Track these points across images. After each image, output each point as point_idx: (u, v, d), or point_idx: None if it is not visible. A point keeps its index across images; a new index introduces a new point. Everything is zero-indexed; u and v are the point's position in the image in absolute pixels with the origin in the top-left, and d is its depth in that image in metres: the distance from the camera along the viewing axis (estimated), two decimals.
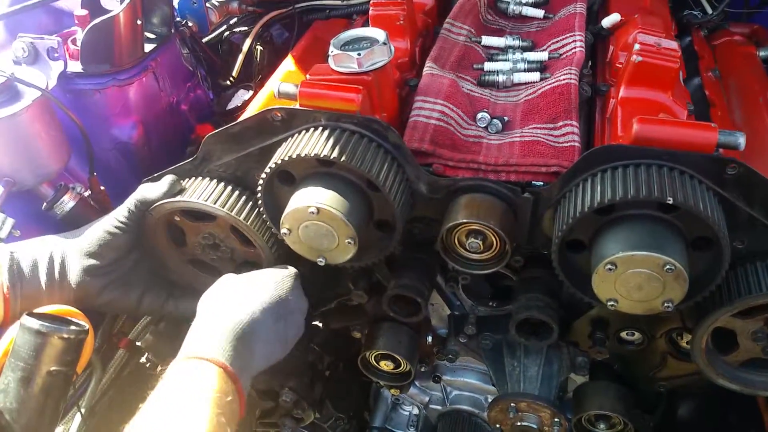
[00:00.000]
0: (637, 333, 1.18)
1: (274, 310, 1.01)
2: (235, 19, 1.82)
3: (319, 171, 1.02)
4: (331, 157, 0.96)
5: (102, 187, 1.39)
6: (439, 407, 1.53)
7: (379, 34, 1.09)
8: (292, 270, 1.09)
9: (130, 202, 1.12)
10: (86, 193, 1.37)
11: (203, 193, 1.11)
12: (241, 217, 1.09)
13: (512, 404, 1.21)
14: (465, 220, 1.00)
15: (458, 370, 1.49)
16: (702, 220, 0.88)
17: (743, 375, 1.09)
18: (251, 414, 1.28)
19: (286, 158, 0.97)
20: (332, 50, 1.07)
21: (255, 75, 1.83)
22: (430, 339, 1.36)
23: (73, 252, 1.11)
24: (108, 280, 1.13)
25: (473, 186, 1.04)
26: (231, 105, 1.72)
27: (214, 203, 1.09)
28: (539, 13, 1.46)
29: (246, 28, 1.81)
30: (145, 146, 1.46)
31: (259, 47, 1.82)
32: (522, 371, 1.25)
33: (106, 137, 1.42)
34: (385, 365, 1.32)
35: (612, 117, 1.13)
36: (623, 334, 1.19)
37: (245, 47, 1.77)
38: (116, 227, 1.12)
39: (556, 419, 1.20)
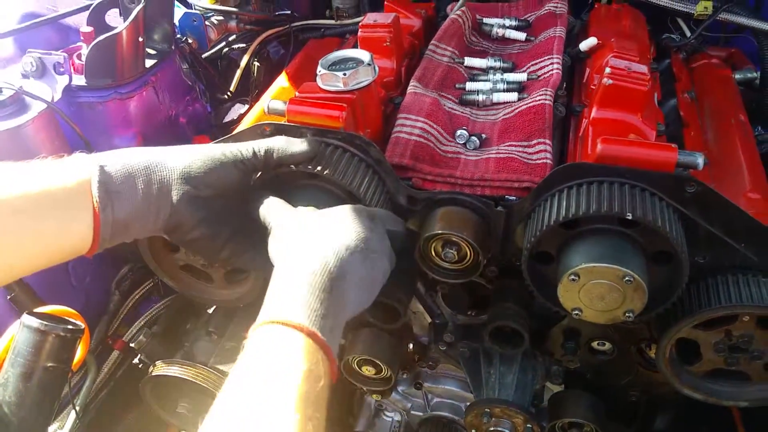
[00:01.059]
0: (607, 343, 1.23)
1: (361, 246, 0.91)
2: (233, 37, 1.89)
3: (306, 183, 1.08)
4: (315, 171, 1.02)
5: None
6: (420, 413, 1.58)
7: (364, 55, 1.15)
8: (364, 208, 1.00)
9: (260, 145, 1.01)
10: None
11: None
12: None
13: (487, 410, 1.26)
14: (440, 231, 1.06)
15: (439, 377, 1.53)
16: (661, 235, 0.94)
17: (707, 385, 1.14)
18: None
19: (273, 172, 1.04)
20: (320, 70, 1.13)
21: (252, 90, 1.90)
22: (411, 346, 1.41)
23: (176, 175, 0.95)
24: (205, 215, 0.99)
25: (449, 199, 1.10)
26: (227, 118, 1.79)
27: None
28: (521, 35, 1.53)
29: (244, 45, 1.88)
30: None
31: (256, 63, 1.89)
32: (498, 378, 1.30)
33: (107, 147, 1.46)
34: (367, 370, 1.37)
35: (584, 136, 1.19)
36: (594, 344, 1.25)
37: (243, 63, 1.84)
38: (233, 162, 0.99)
39: (528, 425, 1.25)
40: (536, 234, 1.00)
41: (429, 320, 1.42)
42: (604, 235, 0.97)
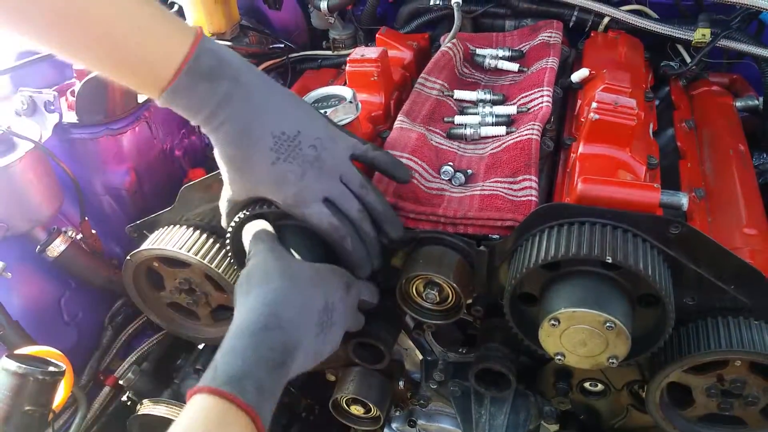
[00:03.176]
0: (599, 384, 1.20)
1: (321, 317, 0.91)
2: None
3: (287, 223, 1.07)
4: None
5: (93, 231, 1.47)
6: None
7: (346, 92, 1.14)
8: (346, 274, 1.00)
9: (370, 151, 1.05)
10: (78, 237, 1.45)
11: (178, 241, 1.16)
12: (213, 265, 1.15)
13: None
14: (420, 272, 1.04)
15: (433, 414, 1.50)
16: (644, 278, 0.91)
17: (701, 430, 1.09)
18: None
19: (251, 214, 1.03)
20: None
21: None
22: (402, 384, 1.39)
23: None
24: None
25: (431, 238, 1.08)
26: None
27: (188, 251, 1.15)
28: (514, 66, 1.51)
29: None
30: (137, 192, 1.54)
31: None
32: (488, 420, 1.27)
33: (100, 183, 1.50)
34: (356, 409, 1.34)
35: (571, 172, 1.17)
36: (586, 385, 1.21)
37: None
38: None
39: None
40: (516, 276, 0.97)
41: (420, 357, 1.40)
42: (585, 279, 0.95)
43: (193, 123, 0.93)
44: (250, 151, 0.93)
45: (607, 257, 0.89)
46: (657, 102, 1.63)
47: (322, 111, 1.09)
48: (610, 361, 0.94)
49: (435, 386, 1.36)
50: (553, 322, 0.93)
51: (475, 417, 1.29)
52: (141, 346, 1.50)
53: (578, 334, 0.93)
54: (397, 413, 1.51)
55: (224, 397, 0.74)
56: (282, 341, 0.84)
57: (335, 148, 0.98)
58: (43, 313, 1.40)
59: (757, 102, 1.59)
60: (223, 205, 1.03)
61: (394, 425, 1.56)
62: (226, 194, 1.01)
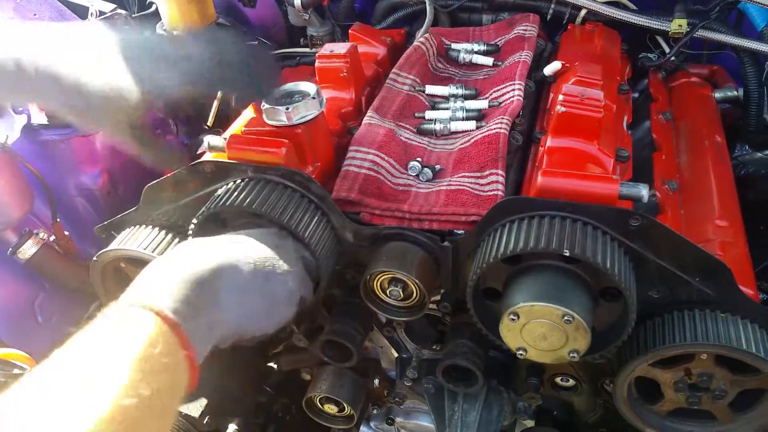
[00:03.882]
0: (571, 379, 1.18)
1: (259, 264, 0.89)
2: None
3: (245, 222, 1.06)
4: (251, 209, 1.00)
5: (66, 233, 1.46)
6: None
7: (310, 88, 1.13)
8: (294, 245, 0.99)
9: None
10: (51, 239, 1.44)
11: (143, 241, 1.16)
12: None
13: None
14: (383, 269, 1.03)
15: (411, 412, 1.49)
16: (604, 271, 0.89)
17: (671, 425, 1.08)
18: None
19: (210, 211, 1.02)
20: (264, 105, 1.12)
21: (231, 120, 1.89)
22: (377, 382, 1.38)
23: None
24: None
25: (395, 234, 1.07)
26: (200, 150, 1.79)
27: (153, 251, 1.14)
28: (489, 61, 1.50)
29: None
30: (111, 193, 1.53)
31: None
32: (461, 416, 1.25)
33: (73, 185, 1.49)
34: (329, 408, 1.33)
35: (539, 165, 1.15)
36: (558, 380, 1.20)
37: (219, 93, 1.84)
38: None
39: None
40: (477, 271, 0.96)
41: (396, 355, 1.39)
42: (545, 272, 0.93)
43: None
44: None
45: (565, 250, 0.88)
46: (636, 94, 1.62)
47: (284, 108, 1.08)
48: (571, 355, 0.93)
49: (409, 384, 1.35)
50: (512, 316, 0.92)
51: (448, 413, 1.28)
52: None
53: (538, 329, 0.92)
54: (375, 411, 1.51)
55: (148, 308, 0.72)
56: (195, 263, 0.82)
57: None
58: (16, 315, 1.40)
59: (736, 93, 1.57)
60: None
61: (372, 423, 1.56)
62: None
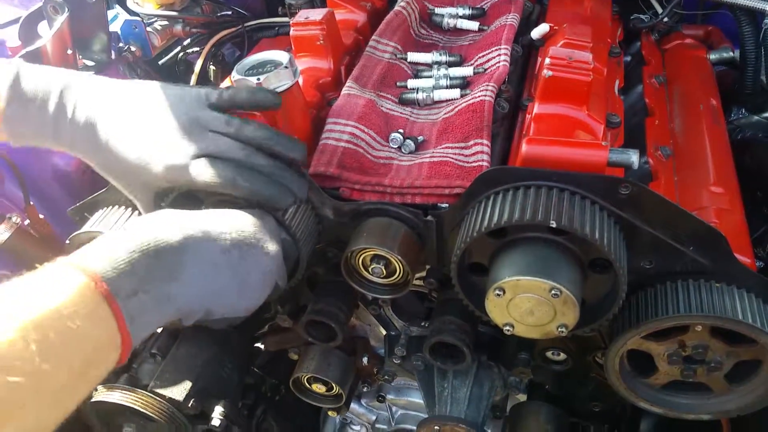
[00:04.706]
0: (562, 353, 1.15)
1: (236, 240, 0.85)
2: (188, 40, 1.83)
3: (219, 200, 1.01)
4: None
5: (41, 216, 1.41)
6: (385, 427, 1.51)
7: (282, 56, 1.07)
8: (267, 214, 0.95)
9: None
10: (26, 222, 1.40)
11: (115, 222, 1.11)
12: None
13: (436, 427, 1.18)
14: (364, 246, 0.99)
15: (402, 389, 1.47)
16: (592, 243, 0.85)
17: (665, 398, 1.05)
18: None
19: (180, 189, 0.97)
20: (234, 75, 1.06)
21: None
22: (366, 360, 1.35)
23: None
24: None
25: (376, 209, 1.03)
26: None
27: None
28: (474, 25, 1.44)
29: (199, 49, 1.81)
30: (85, 173, 1.48)
31: (212, 67, 1.83)
32: (450, 393, 1.23)
33: (45, 166, 1.44)
34: (317, 388, 1.31)
35: (526, 134, 1.10)
36: (549, 354, 1.16)
37: (197, 67, 1.77)
38: None
39: None
40: (461, 246, 0.92)
41: (384, 332, 1.36)
42: (531, 245, 0.89)
43: (55, 149, 0.92)
44: (110, 153, 0.91)
45: (552, 222, 0.83)
46: (628, 58, 1.56)
47: (255, 78, 1.03)
48: (560, 329, 0.89)
49: (398, 361, 1.32)
50: (497, 292, 0.88)
51: (437, 390, 1.25)
52: None
53: (525, 303, 0.88)
54: (365, 389, 1.48)
55: (71, 264, 0.69)
56: (154, 237, 0.78)
57: (183, 105, 0.93)
58: None
59: (732, 54, 1.51)
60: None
61: (363, 401, 1.54)
62: (139, 206, 1.01)
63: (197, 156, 0.90)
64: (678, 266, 0.94)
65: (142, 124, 0.91)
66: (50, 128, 0.90)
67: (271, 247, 0.91)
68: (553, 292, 0.85)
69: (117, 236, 0.77)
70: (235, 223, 0.88)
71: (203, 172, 0.90)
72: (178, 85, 0.97)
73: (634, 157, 0.89)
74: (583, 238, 0.84)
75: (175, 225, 0.81)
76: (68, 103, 0.91)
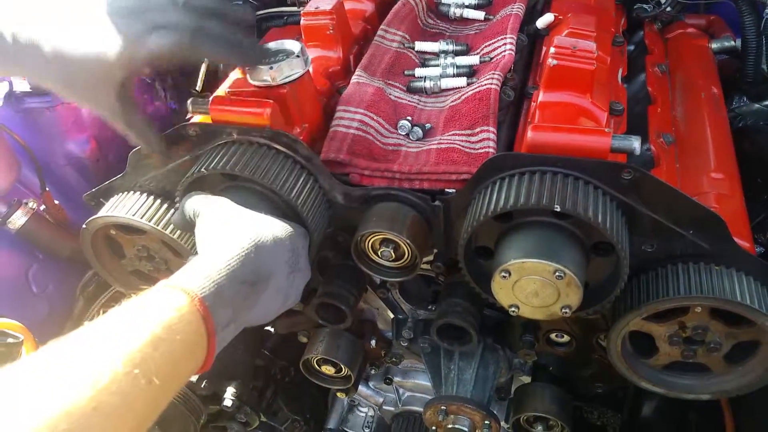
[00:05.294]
0: (565, 335, 1.19)
1: (290, 258, 0.90)
2: None
3: (229, 185, 1.05)
4: (234, 172, 0.98)
5: (56, 202, 1.45)
6: (392, 408, 1.55)
7: (294, 46, 1.10)
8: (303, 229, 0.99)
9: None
10: (42, 208, 1.43)
11: (131, 207, 1.14)
12: (168, 231, 1.13)
13: (442, 407, 1.22)
14: (374, 230, 1.02)
15: (409, 371, 1.50)
16: (595, 226, 0.88)
17: (667, 378, 1.08)
18: (195, 421, 1.32)
19: (193, 176, 1.00)
20: None
21: (220, 84, 1.86)
22: (374, 342, 1.38)
23: None
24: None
25: (385, 195, 1.06)
26: (190, 114, 1.76)
27: (141, 217, 1.13)
28: (480, 15, 1.46)
29: None
30: (99, 160, 1.51)
31: None
32: (457, 374, 1.26)
33: (60, 153, 1.47)
34: (327, 369, 1.34)
35: (531, 121, 1.13)
36: (553, 336, 1.20)
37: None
38: None
39: (486, 422, 1.21)
40: (468, 230, 0.95)
41: (391, 316, 1.39)
42: (536, 229, 0.92)
43: (4, 74, 0.89)
44: (61, 56, 0.88)
45: (556, 206, 0.86)
46: (631, 47, 1.58)
47: (267, 67, 1.06)
48: (564, 310, 0.93)
49: (405, 344, 1.35)
50: (503, 274, 0.91)
51: (444, 372, 1.28)
52: None
53: (530, 285, 0.91)
54: (373, 372, 1.52)
55: (181, 290, 0.74)
56: (257, 264, 0.84)
57: None
58: (10, 285, 1.40)
59: (733, 43, 1.53)
60: (111, 114, 0.98)
61: (371, 383, 1.57)
62: (104, 112, 0.98)
63: (149, 31, 0.89)
64: (678, 249, 0.97)
65: (85, 20, 0.89)
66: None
67: (308, 268, 0.98)
68: (557, 273, 0.88)
69: (221, 257, 0.82)
70: (294, 246, 0.93)
71: (161, 43, 0.88)
72: None
73: (636, 144, 0.91)
74: (587, 221, 0.87)
75: (269, 245, 0.87)
76: (5, 28, 0.87)
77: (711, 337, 0.99)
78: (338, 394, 1.44)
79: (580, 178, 0.91)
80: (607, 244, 0.93)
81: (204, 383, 1.27)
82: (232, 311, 0.79)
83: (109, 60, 0.90)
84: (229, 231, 0.88)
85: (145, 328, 0.67)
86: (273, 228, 0.90)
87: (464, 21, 1.49)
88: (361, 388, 1.55)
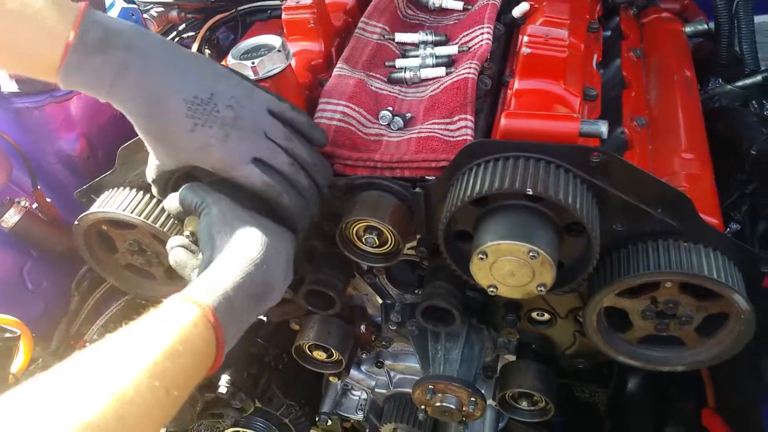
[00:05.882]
0: (546, 314, 1.23)
1: (288, 267, 0.95)
2: (183, 25, 1.88)
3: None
4: None
5: (48, 200, 1.48)
6: (384, 391, 1.60)
7: (275, 41, 1.13)
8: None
9: None
10: (34, 206, 1.46)
11: (122, 203, 1.18)
12: (158, 225, 1.16)
13: (430, 386, 1.27)
14: (357, 218, 1.06)
15: (399, 354, 1.55)
16: (567, 208, 0.92)
17: (642, 351, 1.13)
18: (192, 409, 1.36)
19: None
20: (229, 60, 1.12)
21: None
22: (363, 327, 1.42)
23: None
24: None
25: (368, 183, 1.09)
26: None
27: (131, 212, 1.16)
28: (459, 5, 1.49)
29: (194, 33, 1.86)
30: (89, 157, 1.54)
31: (207, 51, 1.88)
32: (443, 354, 1.31)
33: (51, 151, 1.50)
34: (318, 354, 1.38)
35: (506, 108, 1.17)
36: (534, 315, 1.24)
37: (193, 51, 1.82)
38: None
39: (472, 399, 1.26)
40: (447, 215, 0.99)
41: (380, 301, 1.43)
42: (510, 212, 0.96)
43: (102, 100, 0.91)
44: (165, 120, 0.91)
45: (528, 189, 0.90)
46: (608, 33, 1.61)
47: (249, 62, 1.09)
48: (539, 288, 0.97)
49: (394, 327, 1.40)
50: (481, 255, 0.95)
51: (431, 353, 1.33)
52: (109, 310, 1.53)
53: (506, 266, 0.95)
54: (365, 356, 1.56)
55: (196, 303, 0.78)
56: (264, 278, 0.88)
57: (253, 105, 0.95)
58: (5, 283, 1.43)
59: (706, 27, 1.57)
60: (150, 173, 1.01)
61: (363, 367, 1.62)
62: (153, 162, 1.00)
63: (253, 159, 0.95)
64: (648, 228, 1.02)
65: (210, 108, 0.92)
66: (107, 84, 0.88)
67: (291, 275, 0.98)
68: (531, 254, 0.92)
69: (231, 272, 0.85)
70: (287, 255, 0.95)
71: (255, 179, 0.95)
72: (246, 78, 1.00)
73: (603, 128, 0.95)
74: (558, 203, 0.91)
75: (276, 261, 0.91)
76: (134, 64, 0.88)
77: (682, 311, 1.03)
78: (330, 378, 1.48)
79: (552, 162, 0.95)
80: (579, 224, 0.97)
81: None
82: (240, 323, 0.84)
83: (204, 158, 0.94)
84: (238, 241, 0.90)
85: (164, 342, 0.72)
86: (275, 241, 0.93)
87: (443, 11, 1.52)
88: (354, 372, 1.60)
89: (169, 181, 1.04)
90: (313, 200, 1.03)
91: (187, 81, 0.92)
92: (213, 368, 0.80)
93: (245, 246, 0.89)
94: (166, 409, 0.70)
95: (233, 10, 1.83)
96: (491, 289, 1.00)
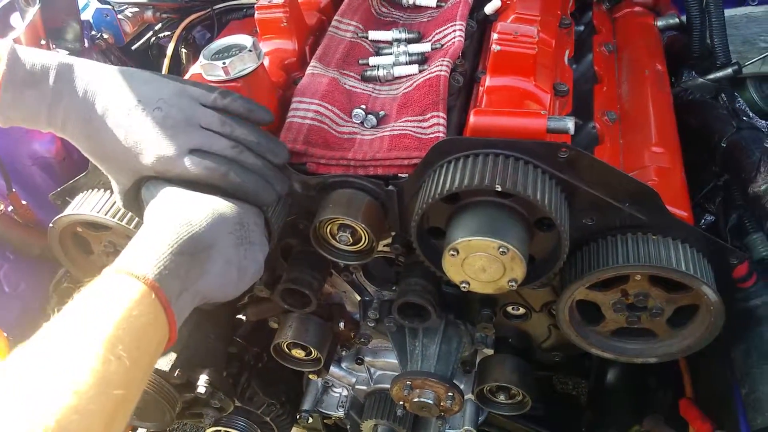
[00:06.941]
0: (521, 308, 1.24)
1: (237, 230, 0.93)
2: (159, 25, 1.87)
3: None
4: None
5: (24, 202, 1.47)
6: (365, 387, 1.60)
7: (246, 40, 1.13)
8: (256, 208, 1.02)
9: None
10: (9, 209, 1.45)
11: (96, 204, 1.17)
12: (132, 226, 1.16)
13: (408, 382, 1.28)
14: (330, 216, 1.07)
15: (379, 351, 1.56)
16: (535, 203, 0.93)
17: (615, 344, 1.15)
18: (171, 409, 1.36)
19: None
20: (201, 60, 1.12)
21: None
22: (342, 325, 1.43)
23: None
24: None
25: (341, 182, 1.10)
26: None
27: (105, 214, 1.16)
28: (432, 2, 1.49)
29: (170, 33, 1.85)
30: (65, 159, 1.53)
31: (183, 50, 1.87)
32: (421, 350, 1.32)
33: (26, 153, 1.49)
34: (297, 353, 1.39)
35: (477, 105, 1.18)
36: (509, 309, 1.26)
37: (169, 51, 1.81)
38: None
39: (449, 393, 1.27)
40: (419, 212, 1.00)
41: (359, 298, 1.44)
42: (480, 208, 0.97)
43: (44, 131, 0.95)
44: (99, 136, 0.95)
45: (497, 186, 0.91)
46: (581, 28, 1.63)
47: (221, 63, 1.09)
48: (510, 283, 0.98)
49: (372, 324, 1.40)
50: (452, 252, 0.96)
51: (409, 349, 1.34)
52: None
53: (477, 261, 0.96)
54: (344, 353, 1.57)
55: (124, 271, 0.79)
56: (191, 235, 0.87)
57: (182, 102, 0.97)
58: None
59: (677, 20, 1.59)
60: (119, 201, 1.05)
61: (343, 364, 1.62)
62: (115, 189, 1.03)
63: (190, 150, 0.95)
64: (617, 221, 1.03)
65: (137, 113, 0.95)
66: (44, 114, 0.93)
67: (264, 243, 1.00)
68: (501, 249, 0.93)
69: (158, 235, 0.86)
70: (241, 219, 0.95)
71: (195, 167, 0.95)
72: (176, 79, 1.02)
73: (570, 124, 0.96)
74: (527, 199, 0.92)
75: (202, 214, 0.90)
76: (64, 90, 0.93)
77: (653, 303, 1.05)
78: (310, 376, 1.49)
79: (520, 159, 0.96)
80: (549, 219, 0.99)
81: (177, 372, 1.30)
82: (180, 281, 0.83)
83: (144, 162, 0.96)
84: (168, 208, 0.92)
85: (107, 315, 0.72)
86: (213, 203, 0.93)
87: (417, 9, 1.53)
88: (334, 370, 1.60)
89: (136, 201, 1.04)
90: (272, 177, 1.02)
91: (112, 95, 0.95)
92: (171, 330, 0.80)
93: (173, 210, 0.91)
94: (123, 375, 0.70)
95: (209, 9, 1.83)
96: (464, 284, 1.01)
